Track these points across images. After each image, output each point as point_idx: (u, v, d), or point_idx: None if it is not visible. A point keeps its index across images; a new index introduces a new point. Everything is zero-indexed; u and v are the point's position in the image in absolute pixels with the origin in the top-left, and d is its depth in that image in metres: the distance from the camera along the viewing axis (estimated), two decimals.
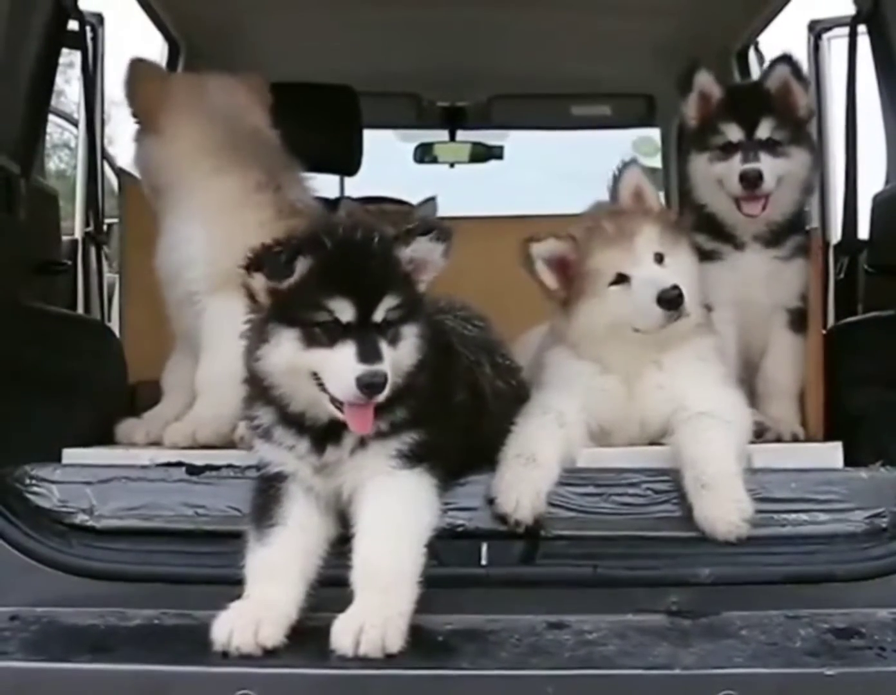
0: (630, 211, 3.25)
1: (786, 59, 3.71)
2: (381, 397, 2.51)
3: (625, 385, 3.17)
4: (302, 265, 2.54)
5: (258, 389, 2.70)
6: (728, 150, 3.65)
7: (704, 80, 3.76)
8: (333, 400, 2.55)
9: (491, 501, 2.88)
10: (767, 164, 3.60)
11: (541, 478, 2.92)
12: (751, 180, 3.58)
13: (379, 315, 2.55)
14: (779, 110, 3.67)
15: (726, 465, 2.87)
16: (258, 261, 2.56)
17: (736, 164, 3.62)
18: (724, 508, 2.81)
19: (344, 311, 2.52)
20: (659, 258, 3.15)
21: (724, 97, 3.75)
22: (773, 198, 3.63)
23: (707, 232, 3.70)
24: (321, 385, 2.55)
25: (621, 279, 3.13)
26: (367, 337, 2.51)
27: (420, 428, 2.66)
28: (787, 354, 3.71)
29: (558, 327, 3.27)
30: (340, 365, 2.50)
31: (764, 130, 3.64)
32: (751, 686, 2.39)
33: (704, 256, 3.57)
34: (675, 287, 3.03)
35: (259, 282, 2.58)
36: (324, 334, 2.52)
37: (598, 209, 3.33)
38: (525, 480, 2.89)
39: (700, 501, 2.83)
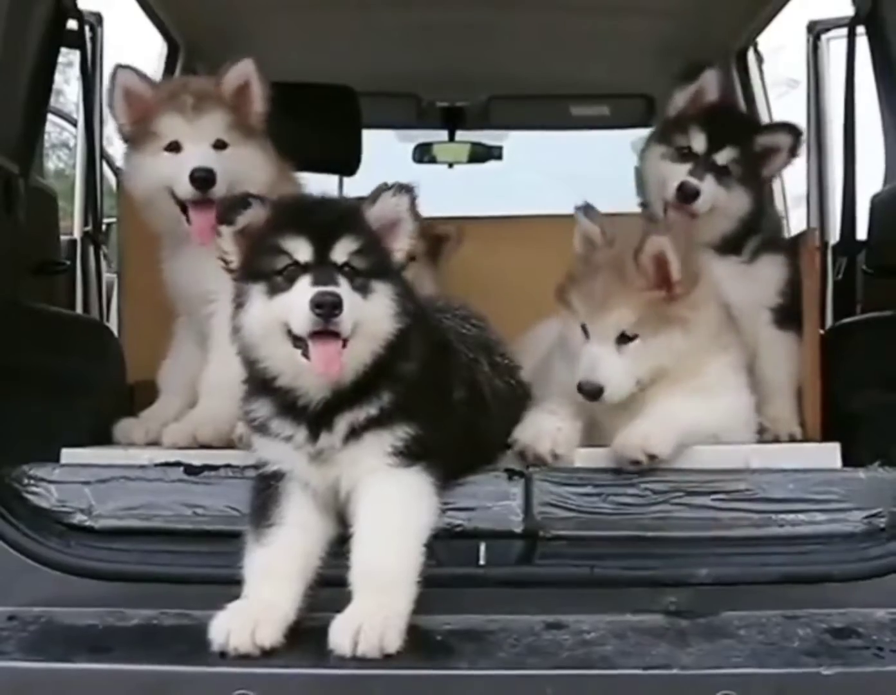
0: (633, 271, 3.13)
1: (791, 129, 3.77)
2: (340, 326, 2.50)
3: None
4: (260, 211, 2.62)
5: (251, 373, 2.71)
6: (684, 156, 3.67)
7: (710, 80, 3.77)
8: (303, 351, 2.54)
9: (512, 444, 2.99)
10: (709, 187, 3.61)
11: (563, 423, 3.04)
12: (686, 193, 3.59)
13: (339, 255, 2.57)
14: (748, 148, 3.69)
15: (667, 413, 2.99)
16: (218, 211, 2.69)
17: (681, 172, 3.62)
18: (637, 429, 2.91)
19: (300, 250, 2.56)
20: (623, 339, 3.11)
21: (710, 106, 3.76)
22: (701, 220, 3.64)
23: None
24: (294, 339, 2.55)
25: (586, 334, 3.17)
26: (323, 269, 2.55)
27: (415, 423, 2.66)
28: (777, 351, 3.72)
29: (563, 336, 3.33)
30: (297, 297, 2.53)
31: (724, 156, 3.66)
32: (749, 686, 2.39)
33: None
34: (591, 384, 3.06)
35: (225, 236, 2.65)
36: (285, 280, 2.56)
37: (612, 250, 3.21)
38: (549, 420, 3.03)
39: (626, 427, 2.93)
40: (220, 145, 3.49)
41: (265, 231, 2.62)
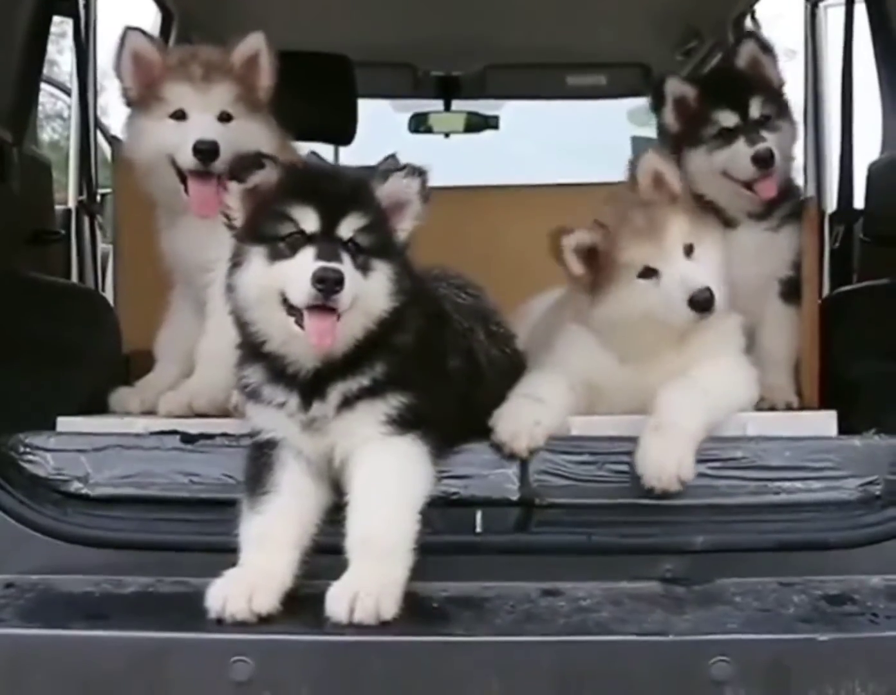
0: (657, 199, 3.19)
1: (750, 35, 3.73)
2: (339, 303, 2.49)
3: (638, 373, 3.15)
4: (271, 173, 2.60)
5: (243, 337, 2.71)
6: (726, 136, 3.65)
7: (675, 85, 3.76)
8: (297, 320, 2.53)
9: (490, 430, 2.93)
10: (770, 141, 3.60)
11: (544, 414, 2.97)
12: (765, 160, 3.57)
13: (345, 231, 2.56)
14: (760, 87, 3.68)
15: (685, 421, 2.90)
16: (230, 167, 2.67)
17: (743, 148, 3.60)
18: (664, 456, 2.83)
19: (307, 219, 2.55)
20: (688, 250, 3.13)
21: (707, 87, 3.75)
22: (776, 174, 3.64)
23: None
24: (289, 308, 2.54)
25: (650, 273, 3.11)
26: (328, 244, 2.53)
27: (409, 391, 2.65)
28: (781, 324, 3.71)
29: (580, 310, 3.26)
30: (298, 268, 2.52)
31: (755, 109, 3.65)
32: (744, 652, 2.40)
33: None
34: (707, 289, 3.02)
35: (232, 192, 2.63)
36: (287, 247, 2.55)
37: (624, 195, 3.27)
38: (528, 412, 2.96)
39: (646, 443, 2.86)
40: (225, 118, 3.47)
41: (274, 194, 2.59)
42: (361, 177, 2.68)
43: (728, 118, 3.64)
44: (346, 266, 2.51)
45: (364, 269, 2.58)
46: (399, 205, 2.68)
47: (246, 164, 2.63)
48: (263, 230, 2.58)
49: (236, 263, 2.63)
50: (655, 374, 3.11)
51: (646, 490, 2.83)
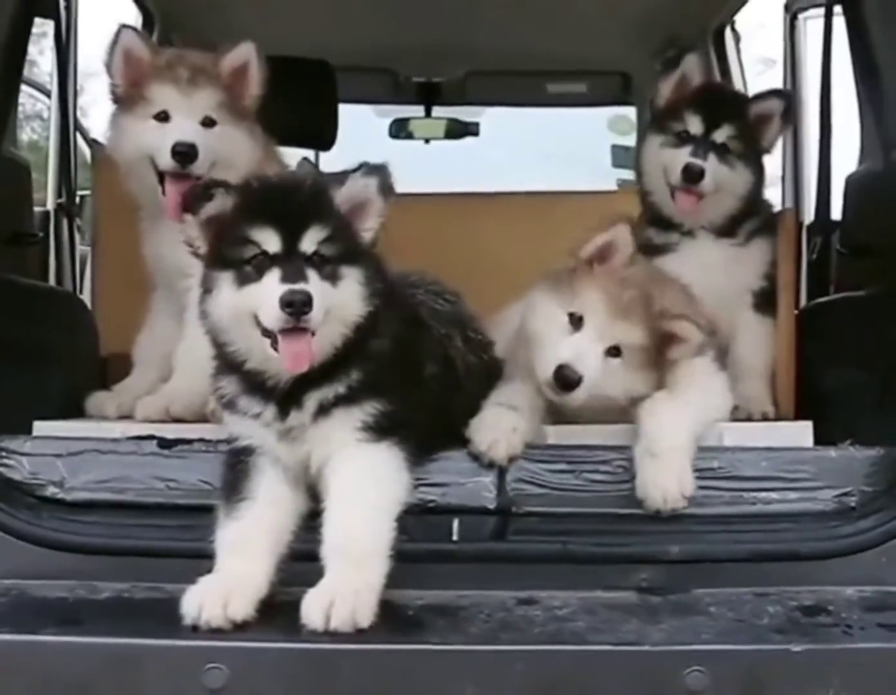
0: (648, 288, 3.06)
1: (781, 95, 3.79)
2: (311, 322, 2.49)
3: None
4: (226, 201, 2.57)
5: (219, 353, 2.70)
6: (682, 140, 3.71)
7: (692, 65, 3.80)
8: (272, 343, 2.53)
9: (468, 441, 2.92)
10: (712, 166, 3.65)
11: (520, 420, 2.97)
12: (692, 174, 3.63)
13: (307, 245, 2.55)
14: (744, 123, 3.74)
15: (676, 439, 2.89)
16: (184, 201, 2.63)
17: (683, 155, 3.67)
18: (664, 478, 2.83)
19: (268, 240, 2.53)
20: (614, 351, 3.02)
21: (700, 88, 3.80)
22: (708, 201, 3.69)
23: (656, 225, 3.79)
24: (263, 330, 2.54)
25: (577, 322, 3.03)
26: (292, 263, 2.52)
27: (385, 398, 2.64)
28: (755, 334, 3.75)
29: None
30: (266, 291, 2.50)
31: (721, 134, 3.71)
32: (719, 663, 2.40)
33: (657, 250, 3.66)
34: (577, 375, 2.92)
35: (190, 224, 2.61)
36: (254, 270, 2.53)
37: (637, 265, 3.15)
38: (504, 420, 2.95)
39: (643, 469, 2.86)
40: (208, 122, 3.47)
41: (232, 219, 2.57)
42: (318, 186, 2.66)
43: (693, 125, 3.69)
44: (312, 283, 2.50)
45: (333, 278, 2.56)
46: (360, 206, 2.66)
47: (197, 195, 2.61)
48: (228, 255, 2.56)
49: (207, 289, 2.61)
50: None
51: (652, 512, 2.84)
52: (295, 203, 2.60)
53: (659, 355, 3.05)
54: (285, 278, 2.49)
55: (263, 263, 2.53)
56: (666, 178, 3.72)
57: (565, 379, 2.94)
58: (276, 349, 2.53)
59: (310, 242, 2.55)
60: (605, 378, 2.99)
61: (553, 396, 3.00)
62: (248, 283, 2.54)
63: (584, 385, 2.95)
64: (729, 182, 3.72)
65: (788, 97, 3.82)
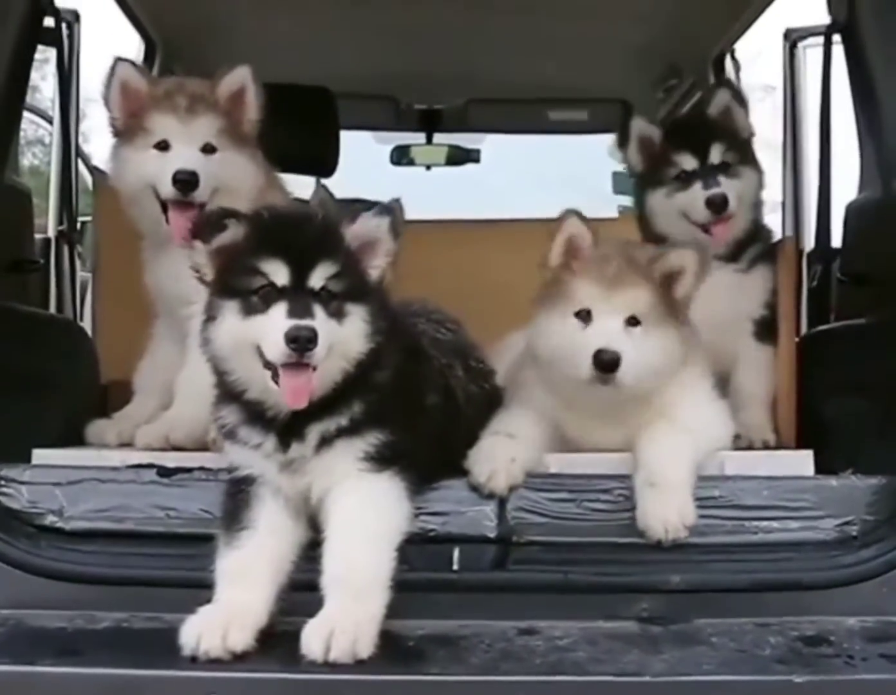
0: (643, 262, 3.11)
1: (725, 84, 3.80)
2: (314, 358, 2.49)
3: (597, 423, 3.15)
4: (237, 231, 2.57)
5: (220, 381, 2.69)
6: (685, 179, 3.74)
7: (641, 126, 3.87)
8: (273, 375, 2.53)
9: (466, 472, 2.92)
10: (727, 187, 3.69)
11: (518, 449, 2.96)
12: (718, 204, 3.66)
13: (316, 281, 2.54)
14: (725, 134, 3.78)
15: (676, 469, 2.89)
16: (194, 227, 2.61)
17: (699, 192, 3.70)
18: (665, 508, 2.82)
19: (278, 273, 2.52)
20: (632, 321, 3.04)
21: (671, 130, 3.87)
22: (735, 219, 3.74)
23: None
24: (265, 361, 2.53)
25: (586, 317, 3.05)
26: (300, 298, 2.52)
27: (387, 429, 2.64)
28: (755, 362, 3.76)
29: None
30: (272, 324, 2.50)
31: (715, 155, 3.75)
32: (720, 693, 2.39)
33: None
34: (615, 354, 2.94)
35: (199, 251, 2.61)
36: (260, 301, 2.53)
37: (620, 241, 3.23)
38: (502, 450, 2.94)
39: (644, 500, 2.85)
40: (208, 149, 3.48)
41: (242, 248, 2.57)
42: (329, 221, 2.66)
43: (688, 161, 3.72)
44: (318, 318, 2.50)
45: (338, 315, 2.56)
46: (370, 244, 2.67)
47: (209, 226, 2.60)
48: (235, 284, 2.56)
49: (210, 316, 2.61)
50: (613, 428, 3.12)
51: (653, 542, 2.83)
52: (306, 237, 2.59)
53: (671, 304, 3.08)
54: (292, 313, 2.49)
55: (270, 294, 2.53)
56: (689, 220, 3.73)
57: (606, 361, 2.95)
58: (276, 382, 2.53)
59: (318, 277, 2.55)
60: (638, 348, 3.00)
61: (601, 388, 2.98)
62: (254, 313, 2.54)
63: (625, 361, 2.96)
64: (743, 192, 3.74)
65: (728, 83, 3.84)
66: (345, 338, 2.57)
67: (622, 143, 3.90)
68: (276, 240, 2.56)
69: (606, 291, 3.04)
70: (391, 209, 2.69)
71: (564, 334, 3.05)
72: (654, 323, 3.06)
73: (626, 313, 3.03)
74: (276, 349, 2.48)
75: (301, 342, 2.46)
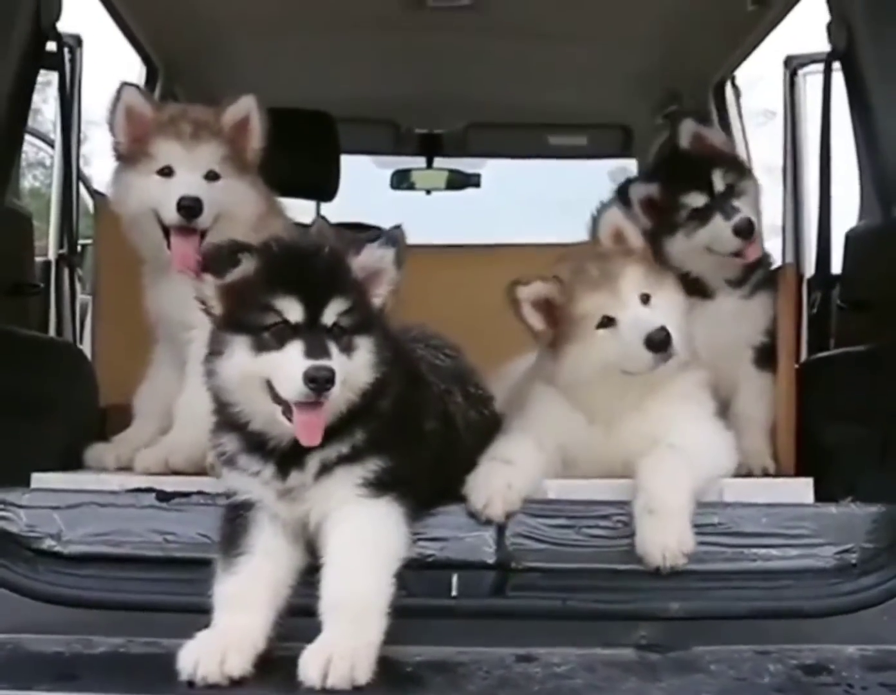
0: (613, 252, 3.23)
1: (687, 116, 3.86)
2: (329, 396, 2.49)
3: (607, 433, 3.16)
4: (248, 265, 2.55)
5: (221, 411, 2.69)
6: (699, 216, 3.73)
7: (639, 190, 3.83)
8: (284, 411, 2.53)
9: (464, 499, 2.91)
10: (743, 208, 3.69)
11: (515, 475, 2.96)
12: (746, 230, 3.65)
13: (329, 317, 2.54)
14: (715, 159, 3.80)
15: (675, 495, 2.88)
16: (205, 260, 2.59)
17: (721, 224, 3.68)
18: (664, 535, 2.82)
19: (292, 310, 2.52)
20: (645, 299, 3.14)
21: (666, 177, 3.85)
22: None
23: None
24: (275, 396, 2.53)
25: (608, 322, 3.11)
26: (315, 336, 2.51)
27: (386, 455, 2.64)
28: (755, 389, 3.76)
29: (545, 368, 3.26)
30: (288, 363, 2.49)
31: (719, 182, 3.75)
32: None
33: None
34: (663, 328, 3.02)
35: (209, 284, 2.59)
36: (273, 338, 2.52)
37: (581, 250, 3.31)
38: (499, 476, 2.94)
39: (643, 526, 2.84)
40: (211, 176, 3.50)
41: (254, 284, 2.55)
42: (338, 255, 2.64)
43: (696, 199, 3.71)
44: (333, 357, 2.50)
45: (348, 350, 2.56)
46: (375, 274, 2.67)
47: (223, 260, 2.57)
48: (246, 320, 2.54)
49: (217, 350, 2.59)
50: (625, 434, 3.13)
51: (652, 569, 2.82)
52: (317, 273, 2.58)
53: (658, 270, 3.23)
54: (309, 353, 2.48)
55: (285, 332, 2.51)
56: (719, 252, 3.72)
57: (659, 340, 3.00)
58: (287, 418, 2.52)
59: (331, 313, 2.54)
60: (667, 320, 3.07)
61: (660, 368, 3.04)
62: (267, 350, 2.52)
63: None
64: (753, 202, 3.77)
65: (689, 115, 3.96)
66: (354, 370, 2.57)
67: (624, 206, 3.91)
68: (288, 276, 2.55)
69: (615, 284, 3.13)
70: (395, 239, 2.68)
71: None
72: (657, 288, 3.17)
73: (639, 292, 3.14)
74: (294, 388, 2.47)
75: (320, 383, 2.46)
